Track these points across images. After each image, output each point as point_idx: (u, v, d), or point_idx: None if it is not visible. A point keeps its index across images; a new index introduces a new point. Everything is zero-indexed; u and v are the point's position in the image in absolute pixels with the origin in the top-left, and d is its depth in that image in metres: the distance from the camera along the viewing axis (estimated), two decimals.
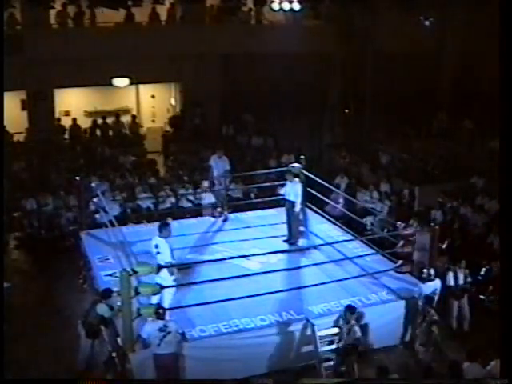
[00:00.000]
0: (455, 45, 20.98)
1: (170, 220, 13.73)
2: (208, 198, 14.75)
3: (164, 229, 9.48)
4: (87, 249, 11.89)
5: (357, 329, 9.13)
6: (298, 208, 11.82)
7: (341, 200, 14.47)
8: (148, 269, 8.92)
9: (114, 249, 10.86)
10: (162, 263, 9.14)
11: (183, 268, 10.72)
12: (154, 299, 8.96)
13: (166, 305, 9.05)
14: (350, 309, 9.28)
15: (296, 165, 12.46)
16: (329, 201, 13.78)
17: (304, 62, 19.31)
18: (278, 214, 12.95)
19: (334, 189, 13.89)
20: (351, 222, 13.20)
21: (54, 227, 14.30)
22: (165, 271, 9.10)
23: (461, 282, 10.57)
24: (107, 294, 9.19)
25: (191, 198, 15.42)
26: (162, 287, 9.04)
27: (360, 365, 9.20)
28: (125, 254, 10.01)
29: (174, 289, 9.41)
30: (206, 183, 14.70)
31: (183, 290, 9.98)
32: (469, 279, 10.64)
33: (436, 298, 9.87)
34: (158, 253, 9.29)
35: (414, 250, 10.82)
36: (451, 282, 10.56)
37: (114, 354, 8.95)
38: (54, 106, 19.30)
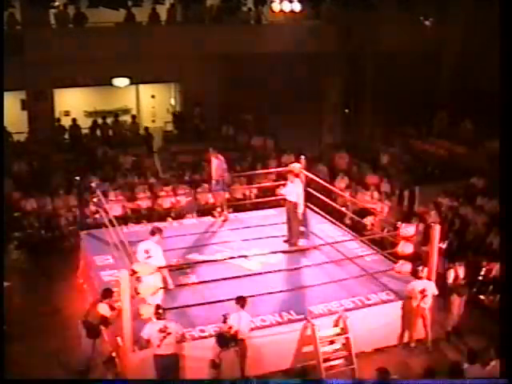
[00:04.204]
0: (455, 45, 20.96)
1: (169, 220, 13.86)
2: (207, 198, 14.74)
3: (157, 233, 9.49)
4: (87, 249, 11.90)
5: None
6: (300, 209, 11.76)
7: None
8: (148, 269, 8.93)
9: (114, 249, 10.86)
10: None
11: (183, 268, 10.76)
12: (154, 299, 8.96)
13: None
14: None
15: (296, 165, 12.46)
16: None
17: (304, 62, 19.29)
18: (278, 214, 12.95)
19: (334, 189, 13.88)
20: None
21: (53, 227, 14.29)
22: (157, 275, 9.09)
23: (460, 280, 10.54)
24: (108, 293, 9.20)
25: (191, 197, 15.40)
26: (162, 288, 9.04)
27: (360, 365, 9.21)
28: (125, 254, 10.00)
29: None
30: (205, 183, 14.70)
31: (183, 289, 9.99)
32: (465, 275, 10.59)
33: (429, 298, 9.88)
34: (149, 257, 9.22)
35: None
36: (450, 281, 10.53)
37: (113, 354, 8.96)
38: (53, 105, 19.28)
